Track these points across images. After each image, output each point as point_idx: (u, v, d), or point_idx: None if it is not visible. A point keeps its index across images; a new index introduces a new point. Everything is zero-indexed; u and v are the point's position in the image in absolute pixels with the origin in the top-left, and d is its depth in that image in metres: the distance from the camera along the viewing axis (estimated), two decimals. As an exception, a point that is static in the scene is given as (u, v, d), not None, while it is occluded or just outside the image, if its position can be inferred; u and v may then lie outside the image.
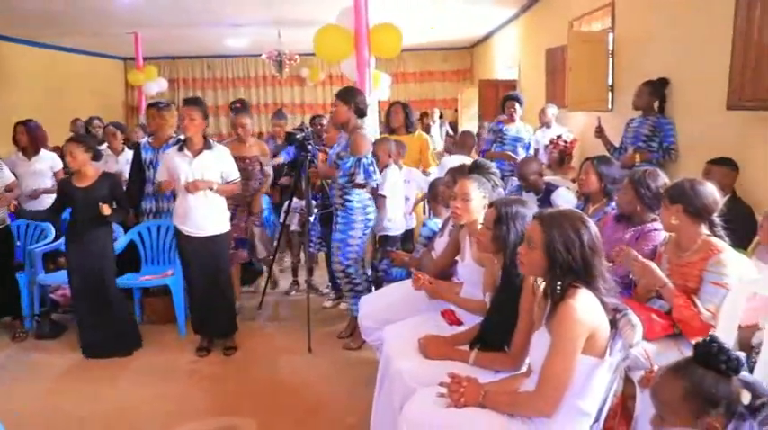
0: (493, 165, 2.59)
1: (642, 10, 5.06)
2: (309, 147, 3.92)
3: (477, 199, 2.51)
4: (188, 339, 3.93)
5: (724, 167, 3.40)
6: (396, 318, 2.70)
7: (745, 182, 3.52)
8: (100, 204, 3.50)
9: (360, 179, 3.53)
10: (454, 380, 1.85)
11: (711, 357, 1.23)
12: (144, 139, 4.46)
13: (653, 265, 2.40)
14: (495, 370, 2.07)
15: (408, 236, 4.31)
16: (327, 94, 12.18)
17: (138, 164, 4.23)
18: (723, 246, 2.36)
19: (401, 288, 3.08)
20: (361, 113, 3.69)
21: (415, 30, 8.99)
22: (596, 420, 1.66)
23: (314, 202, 4.41)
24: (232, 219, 3.89)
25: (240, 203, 4.24)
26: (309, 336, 3.73)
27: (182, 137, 3.87)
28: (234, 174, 3.68)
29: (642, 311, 2.45)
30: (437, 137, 9.19)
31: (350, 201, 3.64)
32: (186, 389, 3.31)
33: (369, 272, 3.89)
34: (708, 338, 1.29)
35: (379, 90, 6.64)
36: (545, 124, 6.38)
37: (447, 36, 11.17)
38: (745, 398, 1.23)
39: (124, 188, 4.07)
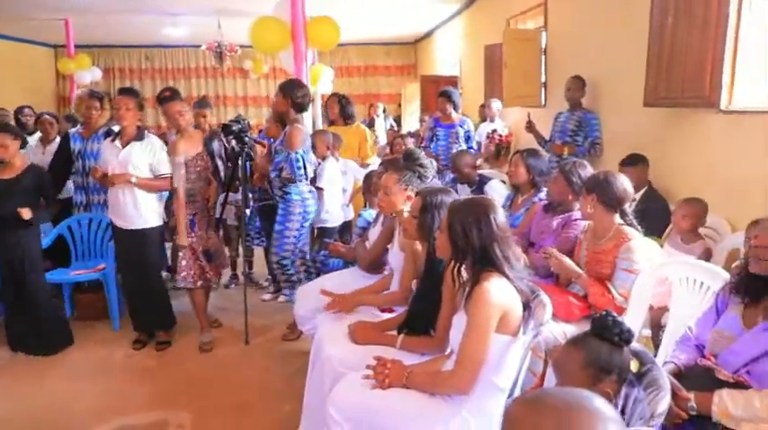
0: (421, 156, 2.66)
1: (571, 11, 5.29)
2: (246, 139, 3.89)
3: (398, 191, 2.58)
4: (122, 334, 3.85)
5: (634, 167, 3.61)
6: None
7: (660, 174, 3.76)
8: (18, 210, 3.36)
9: (285, 173, 3.56)
10: (379, 362, 1.92)
11: (606, 330, 1.35)
12: (73, 129, 4.31)
13: (567, 261, 2.57)
14: (420, 353, 2.15)
15: (346, 227, 4.36)
16: (271, 87, 12.03)
17: (64, 154, 4.08)
18: (633, 234, 2.53)
19: (335, 278, 3.14)
20: (300, 108, 3.69)
21: (357, 23, 9.03)
22: (510, 395, 1.76)
23: (250, 195, 4.38)
24: (193, 229, 3.58)
25: (199, 210, 3.65)
26: (247, 329, 3.73)
27: (114, 127, 3.78)
28: (163, 168, 3.53)
29: (561, 295, 2.62)
30: (381, 131, 9.27)
31: (288, 193, 3.66)
32: (119, 385, 3.24)
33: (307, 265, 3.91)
34: (604, 313, 1.40)
35: (321, 83, 6.66)
36: (489, 118, 6.58)
37: (391, 31, 11.26)
38: (634, 366, 1.36)
39: None
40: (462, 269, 1.89)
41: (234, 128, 3.84)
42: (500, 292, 1.72)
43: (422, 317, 2.21)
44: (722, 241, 3.05)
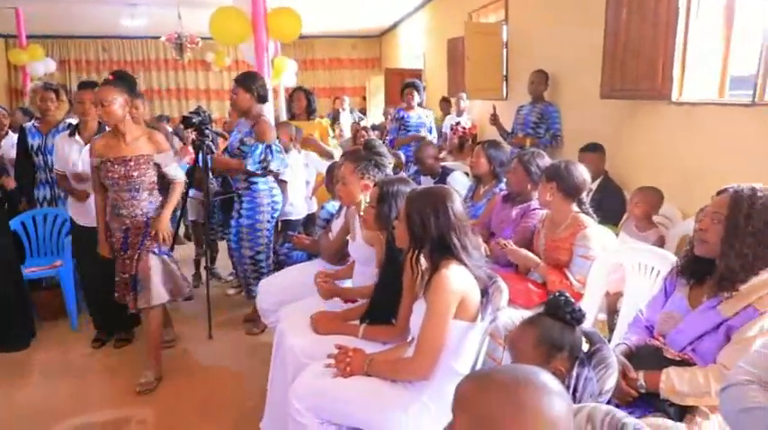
0: (380, 146, 2.67)
1: (531, 5, 5.37)
2: (207, 131, 3.83)
3: (355, 180, 2.59)
4: (81, 333, 3.76)
5: (594, 153, 3.72)
6: (292, 299, 2.75)
7: (616, 164, 3.87)
8: None
9: (274, 167, 3.52)
10: (341, 350, 1.94)
11: (559, 309, 1.39)
12: (29, 123, 4.17)
13: (521, 251, 2.64)
14: (383, 341, 2.17)
15: (310, 220, 4.34)
16: (227, 79, 11.85)
17: (24, 149, 3.95)
18: (589, 221, 2.60)
19: (298, 270, 3.13)
20: (263, 99, 3.66)
21: (322, 16, 8.97)
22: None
23: (216, 187, 4.32)
24: (123, 250, 3.03)
25: (132, 225, 3.00)
26: (210, 323, 3.69)
27: (73, 121, 3.67)
28: None
29: (521, 283, 2.68)
30: (346, 124, 9.25)
31: (255, 184, 3.60)
32: (79, 383, 3.17)
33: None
34: (557, 293, 1.45)
35: (285, 76, 6.60)
36: (457, 112, 6.65)
37: (356, 24, 11.23)
38: (585, 346, 1.40)
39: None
40: (421, 257, 1.91)
41: (194, 120, 3.78)
42: (458, 279, 1.75)
43: (383, 306, 2.23)
44: (674, 228, 3.17)
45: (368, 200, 2.43)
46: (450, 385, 1.76)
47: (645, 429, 1.02)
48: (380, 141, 2.91)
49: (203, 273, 4.67)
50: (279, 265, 3.75)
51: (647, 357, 1.75)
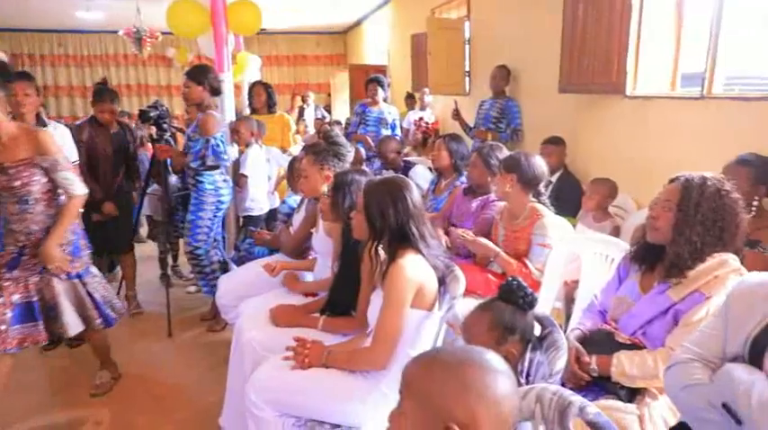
0: (339, 137, 2.67)
1: (493, 1, 5.43)
2: (165, 126, 3.76)
3: (315, 172, 2.59)
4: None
5: (555, 146, 3.79)
6: (252, 294, 2.72)
7: (574, 157, 3.95)
8: None
9: (210, 161, 3.46)
10: (299, 342, 1.92)
11: (511, 293, 1.41)
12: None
13: (482, 241, 2.67)
14: (342, 333, 2.16)
15: (272, 215, 4.30)
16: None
17: None
18: (545, 211, 2.64)
19: (257, 265, 3.09)
20: (215, 91, 3.60)
21: (286, 12, 8.88)
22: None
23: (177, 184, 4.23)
24: (13, 268, 2.46)
25: (29, 243, 2.48)
26: (169, 321, 3.62)
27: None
28: (71, 157, 3.24)
29: (480, 273, 2.71)
30: (310, 120, 9.20)
31: (201, 182, 3.55)
32: (33, 386, 3.07)
33: (223, 254, 3.82)
34: (510, 278, 1.47)
35: (248, 71, 6.50)
36: (420, 107, 6.67)
37: (320, 20, 11.15)
38: (537, 330, 1.43)
39: None
40: (380, 248, 1.91)
41: (151, 114, 3.70)
42: (415, 268, 1.76)
43: (342, 297, 2.22)
44: (629, 218, 3.25)
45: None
46: (408, 374, 1.78)
47: (590, 407, 1.04)
48: (339, 132, 2.90)
49: (171, 274, 4.59)
50: (241, 261, 3.70)
51: (599, 342, 1.79)
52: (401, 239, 1.82)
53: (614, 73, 3.49)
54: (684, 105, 3.18)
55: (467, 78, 5.94)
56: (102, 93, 3.77)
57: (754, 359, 1.18)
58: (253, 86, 4.85)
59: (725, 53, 3.02)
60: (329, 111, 10.94)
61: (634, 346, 1.71)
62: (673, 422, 1.52)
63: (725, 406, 1.12)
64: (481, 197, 3.15)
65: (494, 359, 0.89)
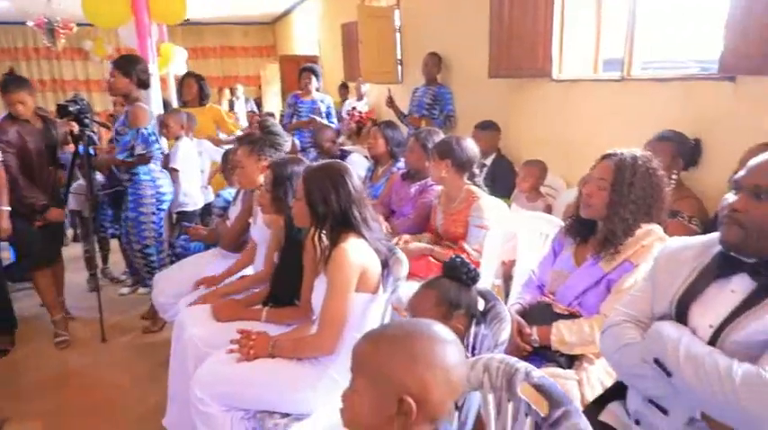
0: (275, 126, 2.62)
1: (421, -12, 5.47)
2: (87, 121, 3.56)
3: (251, 163, 2.55)
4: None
5: (488, 131, 3.88)
6: (191, 290, 2.64)
7: (507, 140, 4.06)
8: None
9: (140, 150, 3.31)
10: (243, 334, 1.88)
11: (455, 270, 1.44)
12: None
13: (415, 247, 2.71)
14: (287, 323, 2.14)
15: (207, 210, 4.18)
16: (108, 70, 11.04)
17: None
18: (481, 193, 2.71)
19: (195, 260, 3.01)
20: (143, 84, 3.44)
21: (211, 1, 8.59)
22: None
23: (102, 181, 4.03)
24: None
25: None
26: (102, 325, 3.46)
27: None
28: None
29: (420, 258, 2.74)
30: (242, 113, 8.98)
31: (136, 174, 3.40)
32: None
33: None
34: (453, 256, 1.50)
35: (174, 64, 6.26)
36: (358, 97, 6.64)
37: (248, 10, 10.87)
38: (480, 304, 1.46)
39: None
40: (323, 234, 1.89)
41: (71, 109, 3.49)
42: (358, 252, 1.76)
43: (285, 288, 2.19)
44: (560, 197, 3.38)
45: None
46: (356, 358, 1.78)
47: (535, 371, 1.09)
48: (275, 121, 2.85)
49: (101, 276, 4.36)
50: (177, 258, 3.57)
51: (539, 313, 1.86)
52: (344, 224, 1.81)
53: (540, 58, 3.61)
54: (606, 87, 3.34)
55: (399, 66, 5.97)
56: (12, 82, 3.42)
57: (679, 316, 1.26)
58: (184, 78, 4.68)
59: (641, 39, 3.20)
60: (260, 104, 10.73)
61: (571, 316, 1.79)
62: (609, 383, 1.61)
63: (656, 361, 1.19)
64: (419, 182, 3.18)
65: (441, 330, 0.91)
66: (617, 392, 1.43)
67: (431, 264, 2.68)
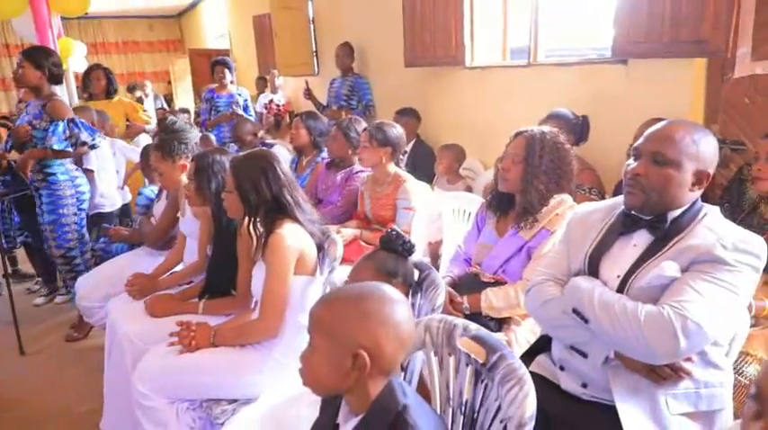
0: (176, 122, 2.58)
1: (333, -20, 5.51)
2: None
3: (168, 167, 2.54)
4: None
5: (408, 117, 4.02)
6: (119, 291, 2.56)
7: (425, 126, 4.21)
8: None
9: (85, 137, 3.15)
10: (183, 326, 1.88)
11: (391, 242, 1.53)
12: None
13: (345, 233, 2.77)
14: (225, 314, 2.14)
15: (125, 211, 4.03)
16: (6, 66, 10.23)
17: None
18: (407, 176, 2.82)
19: (119, 261, 2.92)
20: (55, 79, 3.26)
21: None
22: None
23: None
24: None
25: None
26: (19, 337, 3.26)
27: None
28: None
29: (351, 242, 2.82)
30: (151, 112, 8.61)
31: (53, 174, 3.23)
32: None
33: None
34: (389, 229, 1.59)
35: (73, 60, 5.92)
36: (272, 89, 6.55)
37: (151, 3, 10.41)
38: (416, 274, 1.56)
39: None
40: (257, 223, 1.92)
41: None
42: (294, 236, 1.80)
43: (220, 279, 2.19)
44: (478, 179, 3.57)
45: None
46: (298, 338, 1.83)
47: (471, 325, 1.20)
48: (176, 118, 2.80)
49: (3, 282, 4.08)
50: (98, 261, 3.44)
51: (468, 283, 1.99)
52: (277, 210, 1.84)
53: (454, 46, 3.78)
54: (515, 73, 3.56)
55: (315, 58, 5.98)
56: None
57: (591, 271, 1.42)
58: (90, 71, 4.45)
59: (545, 29, 3.44)
60: (171, 101, 10.34)
61: (497, 283, 1.94)
62: (534, 340, 1.76)
63: (575, 310, 1.34)
64: (344, 170, 3.25)
65: (389, 290, 1.00)
66: (542, 346, 1.58)
67: (361, 247, 2.77)
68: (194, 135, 2.63)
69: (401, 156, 2.90)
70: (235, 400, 1.79)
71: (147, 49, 12.25)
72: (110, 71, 4.45)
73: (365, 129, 2.85)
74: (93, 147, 3.28)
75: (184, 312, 2.15)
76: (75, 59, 5.99)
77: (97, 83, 4.33)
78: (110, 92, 4.37)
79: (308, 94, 5.08)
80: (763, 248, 1.26)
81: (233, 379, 1.79)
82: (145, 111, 5.04)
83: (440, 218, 2.90)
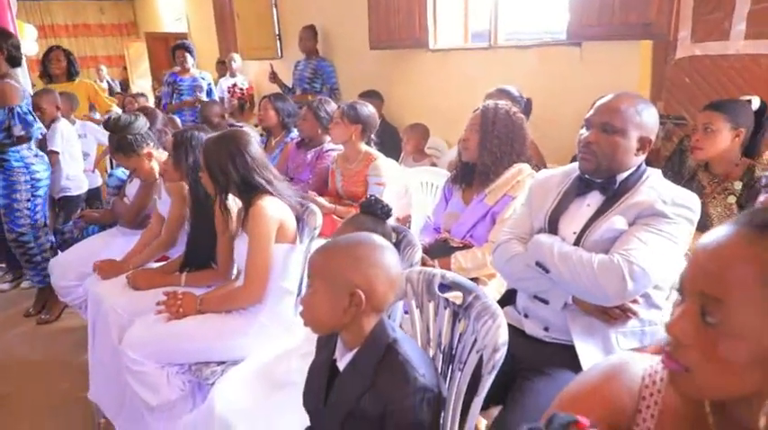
0: (120, 119, 2.60)
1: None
2: None
3: (137, 160, 2.62)
4: None
5: (372, 99, 4.12)
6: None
7: (390, 108, 4.34)
8: None
9: (18, 131, 3.13)
10: (170, 295, 1.97)
11: (371, 206, 1.66)
12: None
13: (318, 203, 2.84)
14: (206, 285, 2.22)
15: (94, 194, 4.02)
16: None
17: None
18: (377, 154, 2.94)
19: (94, 240, 2.96)
20: (15, 61, 3.22)
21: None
22: (299, 294, 2.00)
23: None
24: None
25: None
26: (-11, 322, 3.26)
27: None
28: None
29: (325, 216, 2.93)
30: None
31: (6, 160, 3.20)
32: None
33: (51, 237, 3.52)
34: (368, 195, 1.71)
35: (24, 43, 5.76)
36: (230, 73, 6.52)
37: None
38: (394, 237, 1.70)
39: None
40: (231, 199, 2.00)
41: None
42: (273, 207, 1.90)
43: (200, 252, 2.26)
44: (443, 156, 3.73)
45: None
46: (281, 303, 1.96)
47: (448, 273, 1.34)
48: (119, 111, 2.84)
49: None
50: (66, 244, 3.44)
51: (438, 249, 2.15)
52: (251, 189, 1.93)
53: (417, 29, 3.90)
54: (477, 55, 3.71)
55: (278, 41, 6.00)
56: None
57: (551, 229, 1.59)
58: (50, 52, 4.37)
59: (505, 13, 3.61)
60: (127, 86, 10.12)
61: (466, 247, 2.10)
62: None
63: (537, 263, 1.51)
64: (315, 148, 3.35)
65: (379, 238, 1.13)
66: (508, 299, 1.75)
67: (335, 222, 2.88)
68: (142, 121, 2.66)
69: (372, 136, 3.02)
70: (223, 362, 1.90)
71: (98, 32, 11.90)
72: (70, 53, 4.39)
73: (339, 107, 2.96)
74: (29, 139, 3.25)
75: (167, 284, 2.22)
76: (26, 43, 5.85)
77: (57, 64, 4.27)
78: (71, 74, 4.32)
79: (274, 77, 5.13)
80: (696, 203, 1.45)
81: (220, 343, 1.89)
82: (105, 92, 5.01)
83: (407, 194, 3.04)
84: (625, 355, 0.85)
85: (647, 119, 1.50)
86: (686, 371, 0.65)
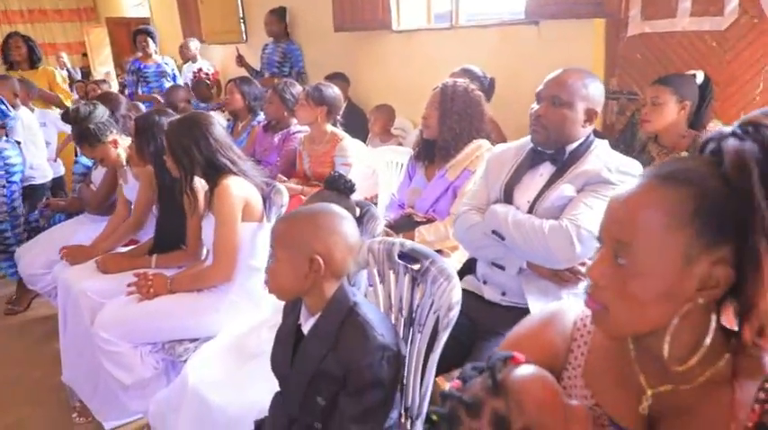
0: (80, 110, 2.58)
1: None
2: None
3: (102, 150, 2.60)
4: None
5: (338, 81, 4.14)
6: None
7: (356, 89, 4.37)
8: None
9: None
10: (141, 276, 2.00)
11: (334, 182, 1.71)
12: None
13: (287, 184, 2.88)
14: (177, 266, 2.25)
15: (58, 184, 3.98)
16: None
17: None
18: (343, 134, 2.99)
19: (62, 228, 2.96)
20: None
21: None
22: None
23: None
24: None
25: None
26: (-46, 314, 3.23)
27: None
28: None
29: (293, 196, 2.97)
30: (67, 85, 8.24)
31: None
32: None
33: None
34: (332, 171, 1.76)
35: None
36: (190, 59, 6.44)
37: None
38: (357, 211, 1.76)
39: None
40: (196, 181, 2.03)
41: None
42: (238, 186, 1.93)
43: (170, 235, 2.29)
44: (409, 136, 3.79)
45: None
46: (251, 280, 2.01)
47: (408, 242, 1.41)
48: (75, 104, 2.83)
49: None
50: (33, 233, 3.41)
51: (403, 224, 2.22)
52: (216, 170, 1.96)
53: (381, 10, 3.93)
54: (439, 35, 3.77)
55: (242, 25, 5.95)
56: None
57: (506, 199, 1.68)
58: (8, 38, 4.27)
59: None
60: (88, 73, 9.89)
61: (429, 221, 2.18)
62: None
63: (494, 231, 1.59)
64: (281, 131, 3.38)
65: (338, 208, 1.19)
66: (468, 268, 1.84)
67: (302, 201, 2.93)
68: (101, 109, 2.64)
69: (338, 118, 3.06)
70: (196, 339, 1.94)
71: (56, 18, 11.52)
72: (29, 38, 4.31)
73: (304, 89, 2.98)
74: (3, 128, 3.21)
75: (138, 267, 2.24)
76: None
77: (17, 51, 4.18)
78: (33, 60, 4.24)
79: (240, 60, 5.10)
80: (639, 170, 1.55)
81: (192, 320, 1.94)
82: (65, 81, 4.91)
83: (374, 174, 3.10)
84: (563, 304, 0.93)
85: (593, 91, 1.58)
86: (605, 309, 0.73)
